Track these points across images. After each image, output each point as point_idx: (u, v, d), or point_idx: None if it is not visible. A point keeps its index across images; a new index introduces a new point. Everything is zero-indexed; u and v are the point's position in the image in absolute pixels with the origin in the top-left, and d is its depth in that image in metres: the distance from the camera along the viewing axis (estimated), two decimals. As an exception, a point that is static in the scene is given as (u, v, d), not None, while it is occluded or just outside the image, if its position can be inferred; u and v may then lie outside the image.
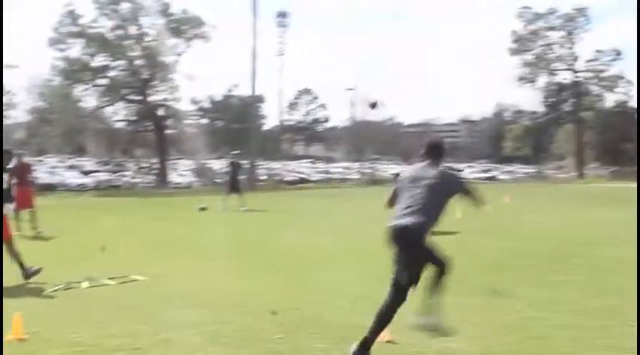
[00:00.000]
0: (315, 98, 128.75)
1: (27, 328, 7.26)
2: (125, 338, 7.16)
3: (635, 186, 35.79)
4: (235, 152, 28.21)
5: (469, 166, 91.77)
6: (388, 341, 6.91)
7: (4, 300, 8.59)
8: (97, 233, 17.42)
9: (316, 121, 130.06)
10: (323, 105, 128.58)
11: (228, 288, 9.85)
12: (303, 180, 56.80)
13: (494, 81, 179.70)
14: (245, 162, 55.47)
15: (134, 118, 51.23)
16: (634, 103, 77.82)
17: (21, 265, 10.25)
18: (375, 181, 52.21)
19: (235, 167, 26.50)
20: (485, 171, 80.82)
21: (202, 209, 24.90)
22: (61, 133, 47.89)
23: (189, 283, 10.27)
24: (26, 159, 17.47)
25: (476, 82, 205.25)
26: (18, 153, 16.69)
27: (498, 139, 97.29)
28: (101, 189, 43.44)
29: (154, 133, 49.65)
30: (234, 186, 26.01)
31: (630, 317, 8.05)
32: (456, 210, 22.56)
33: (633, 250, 14.16)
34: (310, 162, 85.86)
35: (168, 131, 50.00)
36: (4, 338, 6.99)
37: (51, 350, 6.74)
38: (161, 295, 9.37)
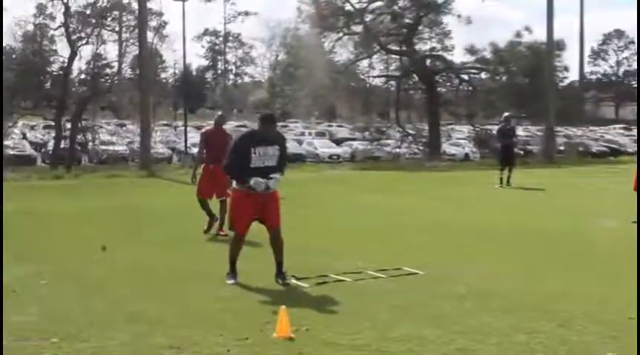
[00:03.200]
0: (630, 43, 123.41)
1: (293, 325, 7.67)
2: (412, 343, 7.35)
3: None
4: (508, 114, 28.00)
5: None
6: None
7: (260, 295, 9.22)
8: (354, 213, 18.02)
9: (630, 74, 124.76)
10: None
11: (530, 288, 9.79)
12: (614, 152, 54.95)
13: None
14: (535, 128, 54.84)
15: (396, 74, 52.16)
16: None
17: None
18: None
19: (506, 134, 26.48)
20: None
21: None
22: (308, 92, 49.48)
23: (478, 279, 10.33)
24: (223, 125, 15.36)
25: None
26: (219, 116, 15.72)
27: None
28: (357, 161, 44.89)
29: (422, 92, 50.16)
30: (507, 157, 26.08)
31: None
32: None
33: None
34: (623, 127, 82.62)
35: (439, 89, 50.24)
36: (273, 336, 7.48)
37: (329, 353, 7.08)
38: (446, 293, 9.50)
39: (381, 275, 10.58)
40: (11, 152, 41.76)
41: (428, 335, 7.62)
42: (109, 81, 47.37)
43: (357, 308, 8.74)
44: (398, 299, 9.21)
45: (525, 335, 7.66)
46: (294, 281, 10.18)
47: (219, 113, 16.95)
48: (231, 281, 10.09)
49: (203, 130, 16.19)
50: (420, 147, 47.52)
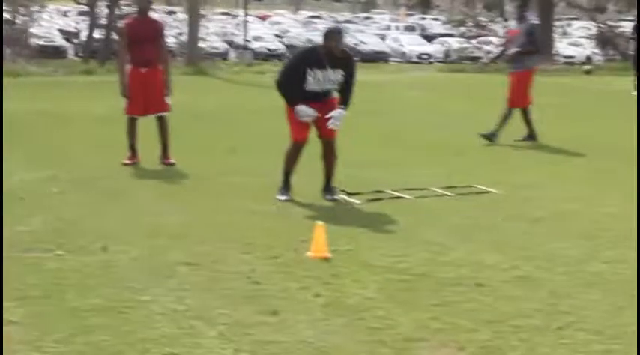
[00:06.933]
0: None
1: (333, 244, 8.06)
2: (466, 268, 7.66)
3: None
4: None
5: None
6: None
7: (300, 211, 9.57)
8: (432, 123, 18.31)
9: None
10: None
11: (627, 212, 9.76)
12: None
13: None
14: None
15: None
16: None
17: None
18: None
19: None
20: None
21: None
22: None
23: (564, 201, 10.47)
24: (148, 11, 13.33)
25: None
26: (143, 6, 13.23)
27: None
28: (451, 62, 44.73)
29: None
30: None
31: None
32: None
33: None
34: None
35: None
36: (307, 255, 7.88)
37: (365, 276, 7.43)
38: (519, 216, 9.75)
39: (448, 194, 10.83)
40: (38, 42, 42.34)
41: (486, 260, 7.92)
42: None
43: (410, 229, 9.07)
44: (461, 220, 9.50)
45: (604, 265, 7.85)
46: (343, 196, 10.52)
47: None
48: (283, 198, 10.35)
49: (124, 22, 14.82)
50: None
